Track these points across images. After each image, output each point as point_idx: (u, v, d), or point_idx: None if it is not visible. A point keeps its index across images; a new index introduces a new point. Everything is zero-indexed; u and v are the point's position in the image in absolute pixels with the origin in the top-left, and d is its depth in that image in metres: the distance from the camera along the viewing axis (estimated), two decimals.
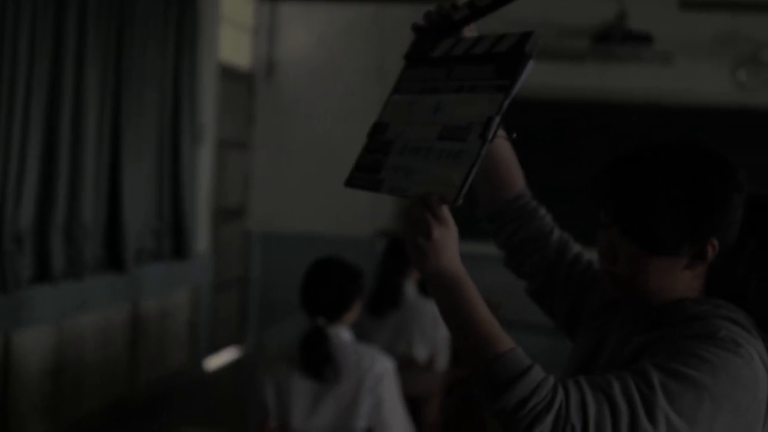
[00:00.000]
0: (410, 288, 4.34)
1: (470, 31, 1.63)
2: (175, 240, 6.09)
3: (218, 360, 7.24)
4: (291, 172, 7.74)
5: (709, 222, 1.49)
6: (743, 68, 7.30)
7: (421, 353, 4.24)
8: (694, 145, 1.55)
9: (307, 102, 7.74)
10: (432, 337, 4.25)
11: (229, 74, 7.20)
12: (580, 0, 7.25)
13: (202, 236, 6.59)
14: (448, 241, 1.38)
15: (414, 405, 3.48)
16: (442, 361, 4.28)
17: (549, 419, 1.32)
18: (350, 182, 1.61)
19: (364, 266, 3.30)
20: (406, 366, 3.98)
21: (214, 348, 7.17)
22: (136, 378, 5.82)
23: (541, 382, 1.34)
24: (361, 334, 4.09)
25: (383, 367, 3.05)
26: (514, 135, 1.53)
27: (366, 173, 1.56)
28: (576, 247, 1.82)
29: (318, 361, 2.97)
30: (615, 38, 6.97)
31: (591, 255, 1.81)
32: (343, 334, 3.08)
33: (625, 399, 1.34)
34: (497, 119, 1.38)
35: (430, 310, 4.26)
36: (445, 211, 1.37)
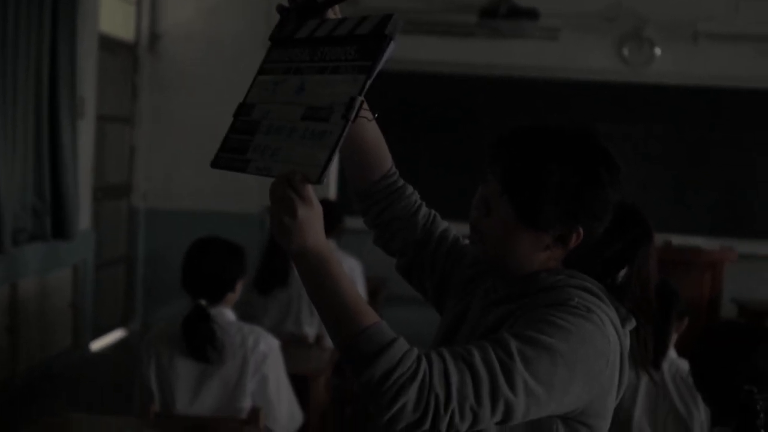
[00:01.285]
0: None
1: (334, 13, 1.67)
2: (55, 219, 5.95)
3: (104, 342, 7.14)
4: (177, 147, 7.64)
5: (586, 211, 1.60)
6: (627, 44, 7.53)
7: (309, 330, 4.28)
8: (593, 136, 1.68)
9: (192, 74, 7.63)
10: None
11: (110, 46, 7.04)
12: None
13: (84, 214, 6.47)
14: (312, 219, 1.42)
15: (303, 383, 3.51)
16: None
17: (413, 389, 1.37)
18: (216, 163, 1.64)
19: (255, 243, 3.31)
20: (295, 344, 4.01)
21: (100, 330, 7.06)
22: (16, 362, 5.69)
23: (405, 353, 1.40)
24: (249, 312, 4.12)
25: (267, 345, 3.08)
26: (376, 115, 1.58)
27: (232, 153, 1.59)
28: (443, 224, 1.90)
29: (201, 342, 2.97)
30: (502, 13, 7.09)
31: (460, 231, 1.88)
32: (226, 313, 3.09)
33: (485, 367, 1.41)
34: (359, 99, 1.43)
35: None
36: (309, 190, 1.41)
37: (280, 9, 1.73)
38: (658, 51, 7.49)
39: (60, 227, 5.99)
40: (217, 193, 7.52)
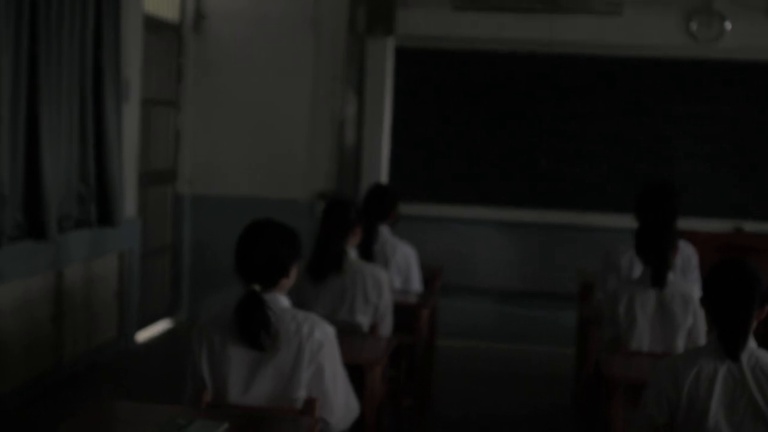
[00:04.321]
0: (352, 252, 4.35)
1: None
2: (100, 205, 6.01)
3: (150, 332, 7.21)
4: (223, 132, 7.67)
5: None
6: (695, 19, 7.40)
7: (364, 320, 4.26)
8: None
9: (238, 56, 7.65)
10: (375, 302, 4.27)
11: (155, 27, 7.08)
12: None
13: (129, 201, 6.52)
14: None
15: (357, 373, 3.50)
16: (386, 327, 4.31)
17: None
18: None
19: (303, 230, 3.30)
20: (349, 333, 4.00)
21: (146, 320, 7.13)
22: (61, 351, 5.77)
23: None
24: (302, 300, 4.11)
25: (323, 333, 3.06)
26: None
27: None
28: None
29: (254, 328, 2.97)
30: None
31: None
32: (280, 300, 3.08)
33: None
34: None
35: (372, 274, 4.28)
36: None
37: None
38: (728, 25, 7.36)
39: (105, 214, 6.04)
40: (264, 178, 7.55)
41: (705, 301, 3.05)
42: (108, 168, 6.01)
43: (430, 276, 5.54)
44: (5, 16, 4.89)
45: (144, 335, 7.07)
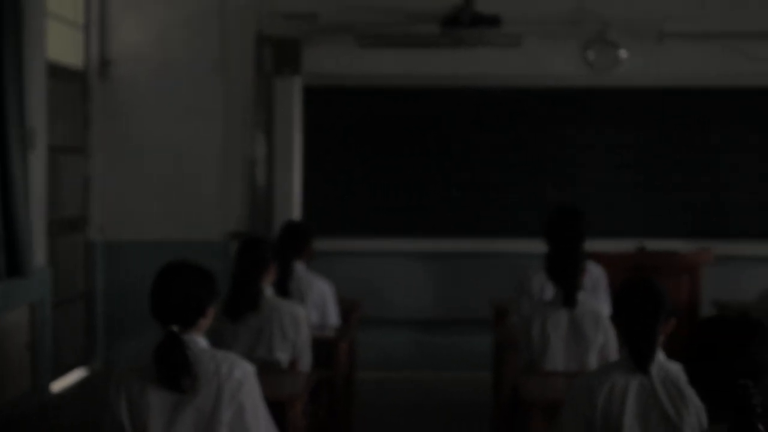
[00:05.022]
0: (268, 289, 4.34)
1: None
2: (8, 256, 5.88)
3: (65, 382, 7.05)
4: (134, 176, 7.58)
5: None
6: (592, 48, 7.59)
7: (282, 356, 4.25)
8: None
9: (146, 101, 7.59)
10: (293, 339, 4.27)
11: (59, 74, 6.99)
12: None
13: (38, 250, 6.38)
14: None
15: (278, 409, 3.48)
16: (305, 363, 4.31)
17: None
18: None
19: (218, 270, 3.29)
20: (268, 370, 3.98)
21: (60, 369, 6.97)
22: None
23: None
24: (220, 340, 4.08)
25: (243, 372, 3.04)
26: None
27: None
28: None
29: (174, 370, 2.93)
30: (464, 22, 7.15)
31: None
32: (198, 341, 3.05)
33: None
34: None
35: (289, 311, 4.28)
36: None
37: None
38: (623, 53, 7.56)
39: (14, 265, 5.90)
40: (177, 221, 7.49)
41: (615, 318, 3.14)
42: (15, 217, 5.88)
43: (347, 309, 5.55)
44: None
45: (59, 385, 6.91)
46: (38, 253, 6.36)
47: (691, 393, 2.98)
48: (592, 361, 4.15)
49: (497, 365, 5.63)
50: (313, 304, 5.11)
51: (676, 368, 3.03)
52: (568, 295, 4.19)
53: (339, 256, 7.16)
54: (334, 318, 5.23)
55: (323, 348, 4.64)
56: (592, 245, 4.61)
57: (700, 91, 7.57)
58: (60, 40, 7.08)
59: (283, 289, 4.79)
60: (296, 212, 7.53)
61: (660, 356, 3.04)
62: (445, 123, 7.67)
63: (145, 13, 7.57)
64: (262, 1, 7.49)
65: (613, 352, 4.15)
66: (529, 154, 7.68)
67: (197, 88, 7.53)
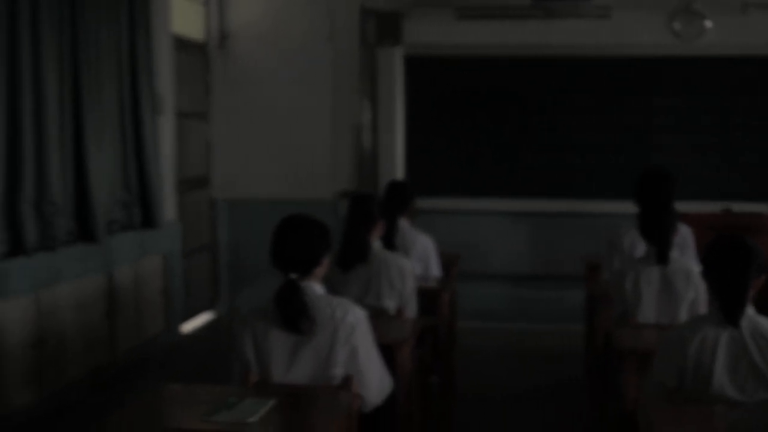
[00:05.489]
0: (376, 243, 4.34)
1: None
2: (143, 210, 6.03)
3: (193, 324, 7.22)
4: (250, 140, 7.67)
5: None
6: (678, 19, 7.36)
7: (389, 304, 4.25)
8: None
9: (261, 70, 7.65)
10: (399, 289, 4.26)
11: (183, 46, 7.09)
12: None
13: (168, 205, 6.53)
14: None
15: (388, 352, 3.49)
16: (411, 311, 4.30)
17: None
18: None
19: (329, 226, 3.29)
20: (377, 316, 3.98)
21: (189, 313, 7.15)
22: (114, 345, 5.78)
23: None
24: (332, 288, 4.09)
25: (356, 316, 3.06)
26: None
27: None
28: None
29: (294, 314, 2.96)
30: None
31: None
32: (315, 287, 3.08)
33: None
34: None
35: (396, 263, 4.27)
36: None
37: None
38: (708, 23, 7.31)
39: (148, 218, 6.06)
40: (291, 181, 7.56)
41: (706, 274, 3.04)
42: (148, 176, 6.02)
43: (448, 263, 5.52)
44: (49, 44, 4.91)
45: (188, 327, 7.09)
46: (169, 209, 6.51)
47: None
48: (683, 315, 4.04)
49: (589, 317, 5.55)
50: (417, 257, 5.09)
51: (766, 322, 2.93)
52: (661, 253, 4.08)
53: (439, 214, 7.13)
54: (436, 270, 5.20)
55: (427, 298, 4.62)
56: (679, 206, 4.48)
57: None
58: (184, 15, 7.17)
59: (390, 243, 4.77)
60: (399, 173, 7.52)
61: (750, 310, 2.94)
62: (537, 90, 7.54)
63: None
64: None
65: (703, 307, 4.03)
66: (617, 119, 7.51)
67: (307, 59, 7.56)
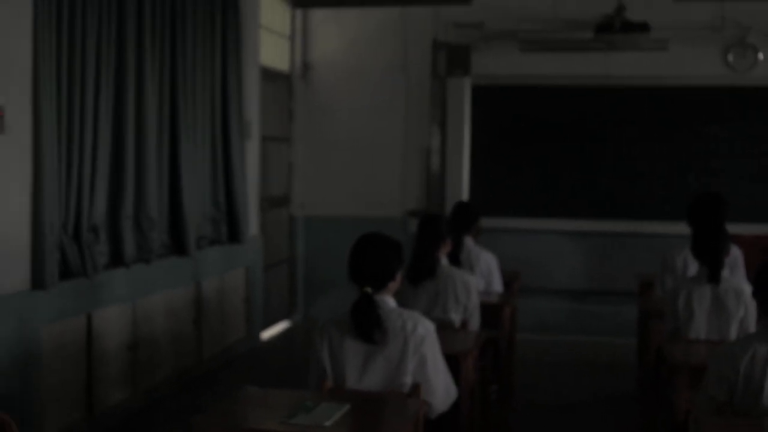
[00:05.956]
0: (443, 260, 4.35)
1: None
2: (229, 226, 6.13)
3: (272, 332, 7.30)
4: (328, 163, 7.77)
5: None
6: (732, 51, 7.25)
7: (455, 317, 4.25)
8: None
9: (339, 99, 7.76)
10: (464, 302, 4.25)
11: (269, 76, 7.22)
12: None
13: (252, 222, 6.63)
14: None
15: (452, 362, 3.49)
16: (475, 323, 4.29)
17: None
18: None
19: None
20: (443, 328, 3.99)
21: (268, 321, 7.23)
22: (201, 349, 5.88)
23: None
24: (402, 301, 4.11)
25: (425, 329, 3.07)
26: None
27: None
28: None
29: (368, 325, 2.98)
30: (616, 28, 6.94)
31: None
32: (388, 301, 3.09)
33: None
34: None
35: (461, 279, 4.27)
36: None
37: None
38: (761, 56, 7.18)
39: (234, 233, 6.16)
40: (363, 201, 7.63)
41: (756, 293, 2.99)
42: (235, 194, 6.13)
43: (509, 279, 5.49)
44: (152, 75, 5.05)
45: (267, 334, 7.17)
46: (252, 225, 6.61)
47: None
48: (733, 333, 3.96)
49: (642, 332, 5.46)
50: (480, 273, 5.08)
51: None
52: (713, 273, 4.00)
53: (502, 233, 7.10)
54: (498, 286, 5.18)
55: (489, 311, 4.60)
56: (731, 228, 4.39)
57: None
58: (271, 48, 7.31)
59: (456, 259, 4.77)
60: (465, 194, 7.52)
61: None
62: (597, 118, 7.48)
63: (339, 25, 7.71)
64: (436, 12, 7.49)
65: (752, 325, 3.94)
66: (673, 146, 7.39)
67: (382, 88, 7.64)
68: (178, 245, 5.44)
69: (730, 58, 7.26)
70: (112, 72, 4.72)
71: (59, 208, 4.29)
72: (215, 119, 5.93)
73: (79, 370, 4.55)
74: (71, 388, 4.50)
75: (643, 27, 6.89)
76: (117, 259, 4.82)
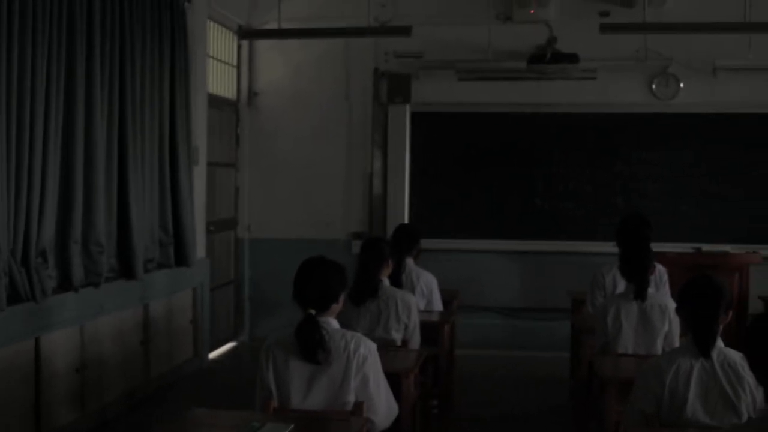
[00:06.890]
0: (385, 280, 4.35)
1: None
2: (177, 249, 6.05)
3: (219, 352, 7.22)
4: (273, 186, 7.75)
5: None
6: (655, 81, 7.44)
7: (396, 336, 4.25)
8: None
9: (284, 125, 7.75)
10: (405, 321, 4.27)
11: (217, 103, 7.18)
12: (517, 28, 7.32)
13: (200, 245, 6.56)
14: None
15: (394, 380, 3.49)
16: (415, 342, 4.30)
17: None
18: None
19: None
20: (385, 347, 3.99)
21: (215, 342, 7.15)
22: (149, 370, 5.79)
23: None
24: (345, 321, 4.10)
25: (367, 349, 3.07)
26: None
27: None
28: None
29: (312, 346, 2.98)
30: (547, 59, 7.08)
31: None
32: (331, 322, 3.09)
33: None
34: None
35: (402, 298, 4.28)
36: None
37: None
38: (682, 85, 7.39)
39: (181, 256, 6.08)
40: (308, 223, 7.62)
41: (680, 309, 3.06)
42: (183, 219, 6.06)
43: (448, 298, 5.53)
44: (101, 101, 4.99)
45: (214, 354, 7.08)
46: (199, 248, 6.54)
47: (747, 375, 2.89)
48: (658, 347, 4.04)
49: (575, 347, 5.53)
50: (420, 293, 5.10)
51: (735, 354, 2.94)
52: (639, 290, 4.09)
53: (441, 253, 7.13)
54: (438, 305, 5.21)
55: (429, 329, 4.62)
56: (655, 247, 4.48)
57: (747, 116, 7.34)
58: (218, 76, 7.27)
59: (397, 280, 4.79)
60: (406, 216, 7.55)
61: (719, 343, 2.94)
62: (529, 143, 7.59)
63: (284, 54, 7.72)
64: (378, 43, 7.54)
65: (675, 339, 4.03)
66: (601, 169, 7.54)
67: (326, 115, 7.66)
68: (126, 269, 5.35)
69: (654, 86, 7.44)
70: (61, 98, 4.65)
71: (7, 233, 4.19)
72: (163, 145, 5.87)
73: (27, 392, 4.44)
74: (19, 410, 4.39)
75: (573, 58, 7.04)
76: (66, 283, 4.72)
